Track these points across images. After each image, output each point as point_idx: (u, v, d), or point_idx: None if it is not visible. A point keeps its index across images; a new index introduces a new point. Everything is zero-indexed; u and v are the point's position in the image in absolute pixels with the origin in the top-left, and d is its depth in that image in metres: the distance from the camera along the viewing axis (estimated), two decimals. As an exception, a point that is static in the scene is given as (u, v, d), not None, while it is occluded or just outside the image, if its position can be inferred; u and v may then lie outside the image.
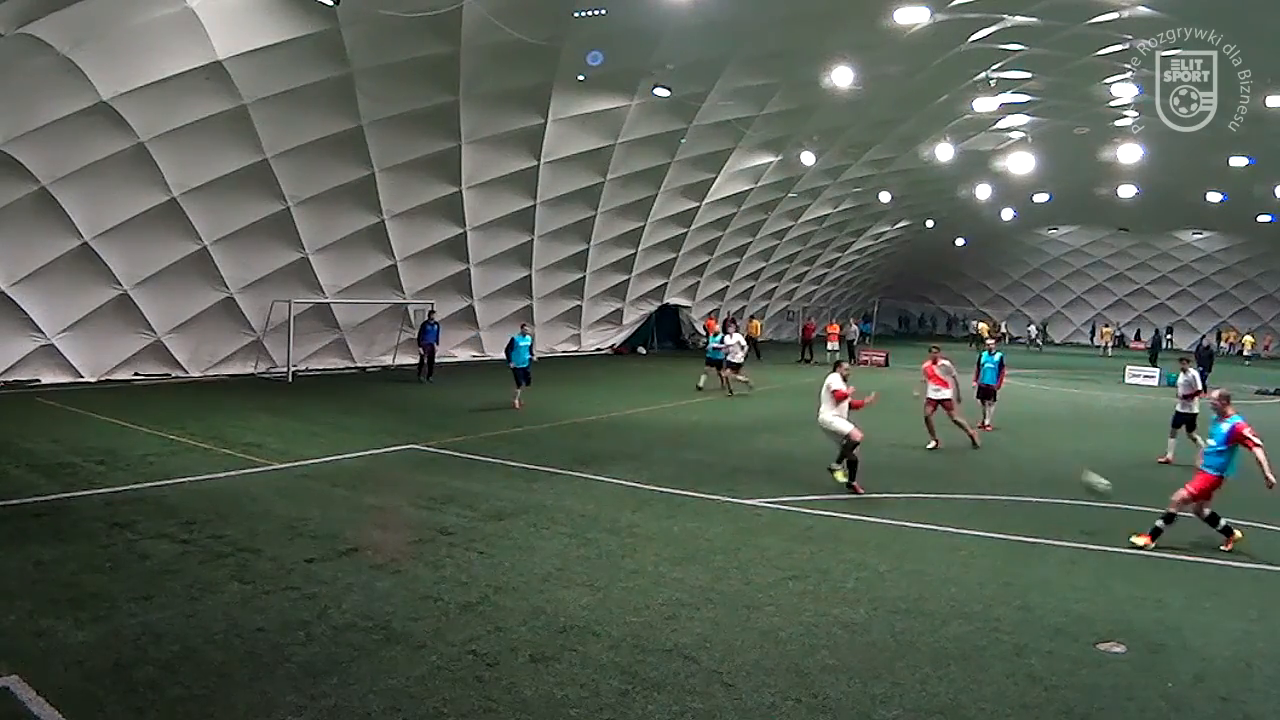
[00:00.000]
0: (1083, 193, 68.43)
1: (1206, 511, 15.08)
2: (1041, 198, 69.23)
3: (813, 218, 65.28)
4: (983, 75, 40.45)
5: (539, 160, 40.57)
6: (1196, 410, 22.99)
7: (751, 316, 68.97)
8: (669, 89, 37.78)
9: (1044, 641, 10.84)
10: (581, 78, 36.08)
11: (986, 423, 28.29)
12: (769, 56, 37.56)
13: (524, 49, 31.04)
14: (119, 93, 26.35)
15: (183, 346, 35.01)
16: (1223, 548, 14.90)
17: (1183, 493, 15.00)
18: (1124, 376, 48.45)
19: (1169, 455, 22.96)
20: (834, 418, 18.47)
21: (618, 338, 59.23)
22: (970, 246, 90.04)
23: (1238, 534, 15.05)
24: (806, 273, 78.57)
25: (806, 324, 61.00)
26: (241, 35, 26.93)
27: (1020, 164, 51.42)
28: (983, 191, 62.38)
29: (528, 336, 30.90)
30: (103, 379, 32.74)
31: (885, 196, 63.10)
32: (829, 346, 57.34)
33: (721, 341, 36.68)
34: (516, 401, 29.58)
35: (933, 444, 24.25)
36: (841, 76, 35.85)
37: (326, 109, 31.45)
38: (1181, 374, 24.04)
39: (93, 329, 31.82)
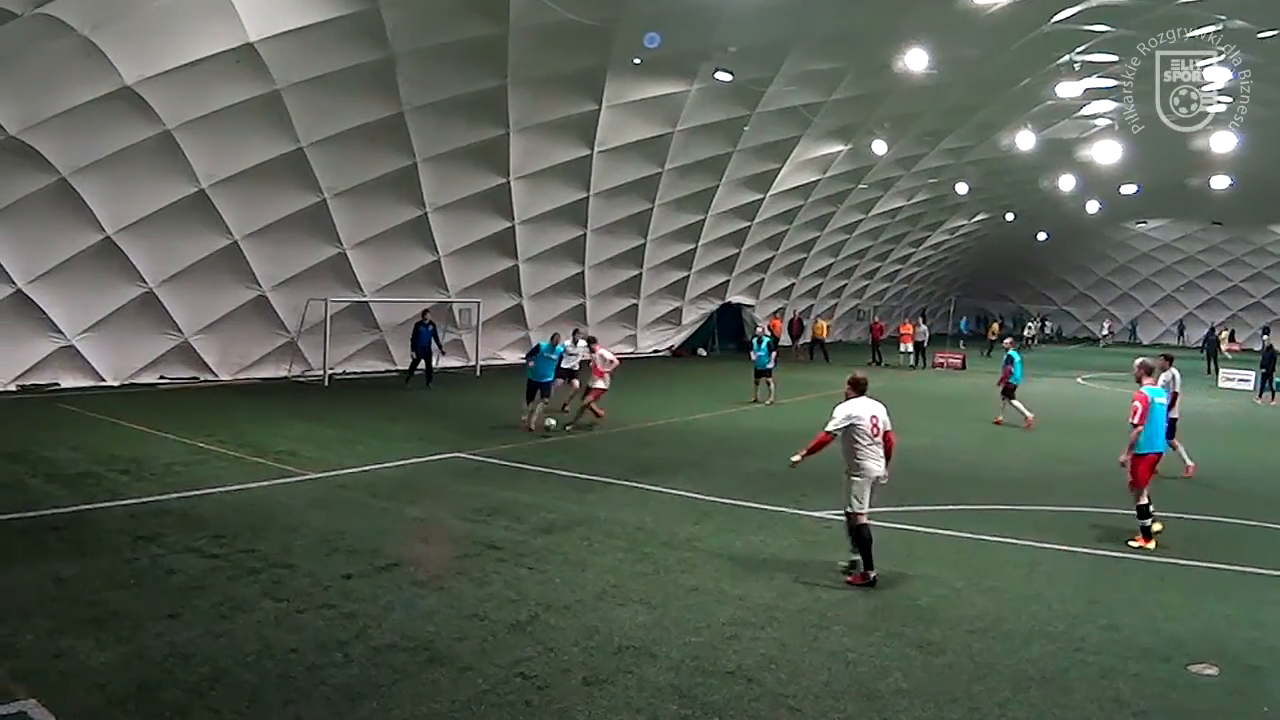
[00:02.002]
0: (1173, 184, 67.49)
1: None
2: (1129, 189, 68.28)
3: (884, 210, 64.95)
4: (1066, 58, 39.94)
5: (592, 149, 40.51)
6: (1177, 415, 22.01)
7: (818, 316, 68.54)
8: (731, 73, 37.46)
9: (1132, 663, 10.67)
10: (637, 61, 35.81)
11: (1001, 419, 30.50)
12: (838, 38, 37.11)
13: (576, 30, 31.01)
14: (143, 77, 26.36)
15: (212, 348, 35.27)
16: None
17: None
18: (1218, 380, 48.05)
19: (1189, 464, 22.00)
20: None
21: (676, 338, 59.20)
22: (1052, 241, 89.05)
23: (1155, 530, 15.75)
24: (877, 270, 78.36)
25: (874, 324, 60.65)
26: (274, 15, 26.91)
27: (1106, 153, 50.75)
28: (1066, 182, 61.58)
29: (562, 346, 27.66)
30: (126, 383, 32.99)
31: (962, 188, 62.48)
32: (901, 348, 56.97)
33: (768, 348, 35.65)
34: (529, 420, 26.34)
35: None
36: (915, 60, 35.48)
37: (365, 94, 31.42)
38: (1160, 373, 23.40)
39: (115, 329, 32.05)
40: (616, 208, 45.82)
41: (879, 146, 49.58)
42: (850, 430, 13.42)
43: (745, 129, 44.51)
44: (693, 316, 60.08)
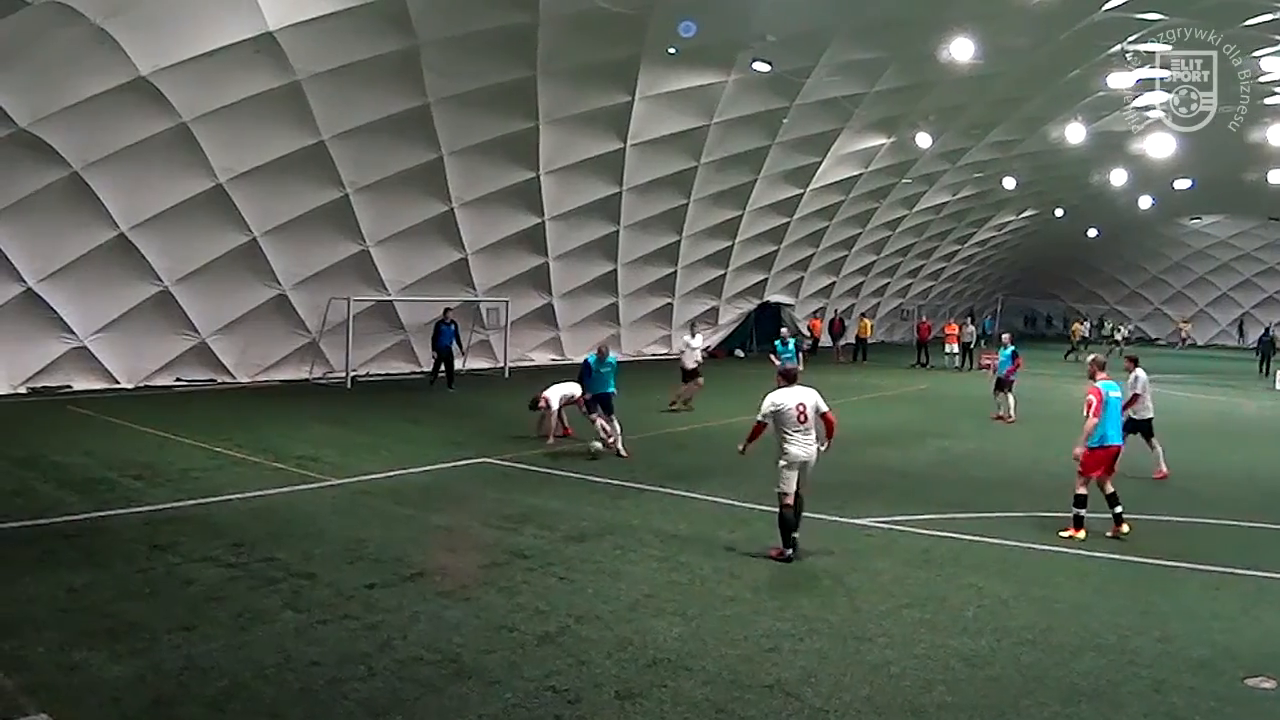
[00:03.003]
0: (1229, 179, 66.96)
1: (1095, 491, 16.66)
2: (1183, 184, 67.75)
3: (929, 206, 64.56)
4: (1118, 48, 39.57)
5: (625, 142, 40.32)
6: (1151, 414, 22.67)
7: (861, 315, 68.22)
8: (769, 63, 37.08)
9: (1186, 676, 10.54)
10: (672, 51, 35.51)
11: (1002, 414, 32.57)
12: (881, 26, 36.66)
13: (609, 18, 30.88)
14: (159, 67, 26.25)
15: (230, 349, 35.39)
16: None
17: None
18: (1275, 383, 47.88)
19: (1163, 469, 22.38)
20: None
21: (713, 339, 58.70)
22: (1103, 238, 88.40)
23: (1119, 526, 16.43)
24: (922, 267, 78.16)
25: (921, 323, 60.31)
26: (295, 3, 26.73)
27: (1159, 146, 50.22)
28: (1118, 177, 61.12)
29: (612, 358, 24.91)
30: (141, 385, 33.13)
31: (1009, 183, 61.81)
32: (947, 349, 56.78)
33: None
34: (616, 446, 23.70)
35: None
36: (961, 49, 35.02)
37: (390, 85, 31.32)
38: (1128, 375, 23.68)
39: (130, 330, 32.15)
40: (650, 203, 45.68)
41: (923, 140, 49.23)
42: (776, 417, 14.92)
43: (784, 121, 44.06)
44: (730, 316, 60.07)
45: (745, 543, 15.71)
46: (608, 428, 23.56)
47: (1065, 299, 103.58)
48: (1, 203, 27.22)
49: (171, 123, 28.03)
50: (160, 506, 16.98)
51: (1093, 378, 17.21)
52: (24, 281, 28.89)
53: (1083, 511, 16.28)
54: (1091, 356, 18.05)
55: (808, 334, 64.58)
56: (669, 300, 54.00)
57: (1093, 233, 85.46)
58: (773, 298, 62.76)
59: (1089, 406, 16.56)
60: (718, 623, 11.83)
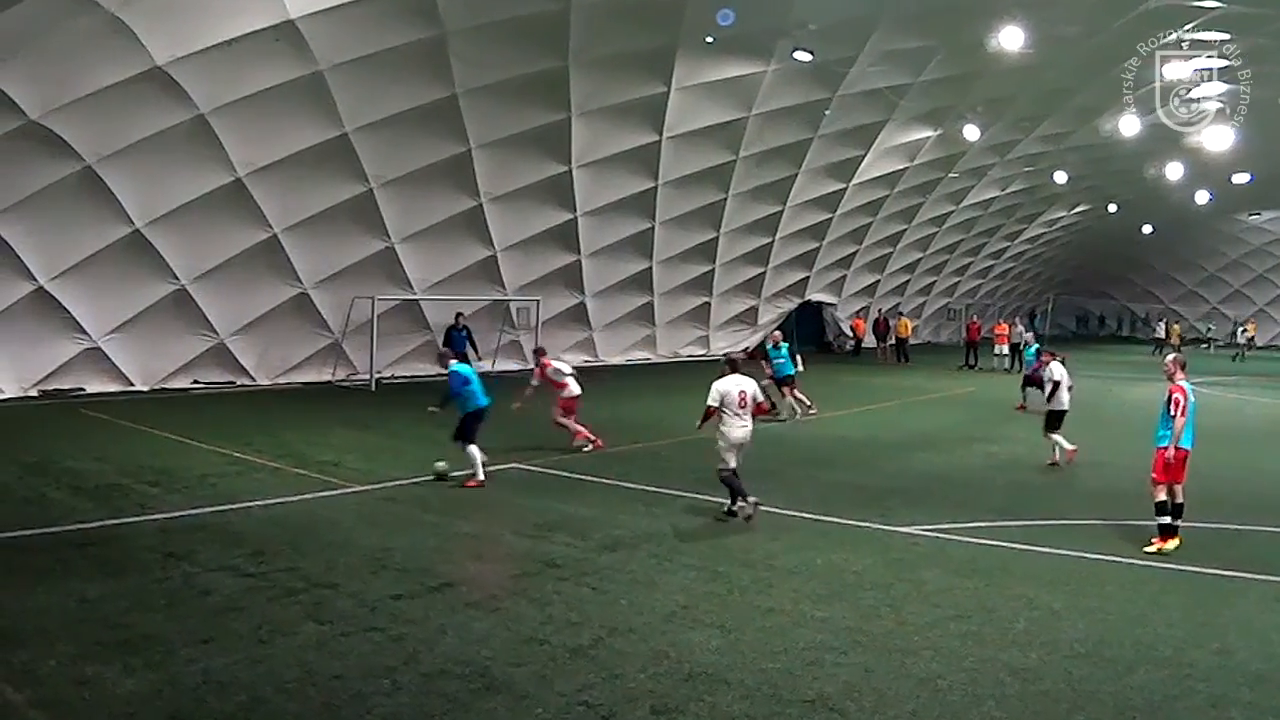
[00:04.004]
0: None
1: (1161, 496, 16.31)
2: (1241, 178, 67.40)
3: (977, 201, 64.38)
4: (1174, 36, 39.23)
5: (661, 135, 40.23)
6: (1067, 408, 24.52)
7: (902, 314, 67.98)
8: (811, 52, 36.75)
9: (1244, 691, 10.38)
10: (710, 39, 35.42)
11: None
12: (927, 14, 36.49)
13: (643, 5, 31.13)
14: (176, 57, 26.30)
15: (249, 350, 35.57)
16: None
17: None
18: None
19: (1056, 457, 24.01)
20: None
21: (752, 339, 58.26)
22: (1158, 234, 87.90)
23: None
24: (969, 265, 77.89)
25: (970, 323, 59.93)
26: (318, -10, 26.88)
27: (1217, 139, 49.90)
28: (1173, 171, 60.72)
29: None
30: (156, 388, 33.32)
31: (1061, 177, 61.46)
32: (996, 350, 56.39)
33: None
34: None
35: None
36: (1010, 38, 34.74)
37: (416, 75, 31.30)
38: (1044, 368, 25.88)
39: (145, 330, 32.30)
40: (687, 198, 45.60)
41: (971, 132, 48.85)
42: (722, 400, 17.38)
43: (827, 113, 43.96)
44: (770, 316, 59.73)
45: (785, 551, 15.58)
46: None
47: (1119, 298, 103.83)
48: (12, 198, 27.31)
49: (189, 114, 28.11)
50: (177, 514, 16.99)
51: (1172, 378, 16.72)
52: (35, 280, 29.00)
53: (1167, 519, 15.90)
54: (1171, 355, 17.52)
55: (850, 334, 64.38)
56: (706, 299, 53.95)
57: (1148, 229, 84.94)
58: (814, 296, 62.77)
59: (1175, 405, 16.14)
60: (757, 635, 11.72)
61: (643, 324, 50.49)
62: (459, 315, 37.43)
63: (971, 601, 13.14)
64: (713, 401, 17.28)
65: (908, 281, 71.92)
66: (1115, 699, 10.08)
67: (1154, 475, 16.17)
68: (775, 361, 32.29)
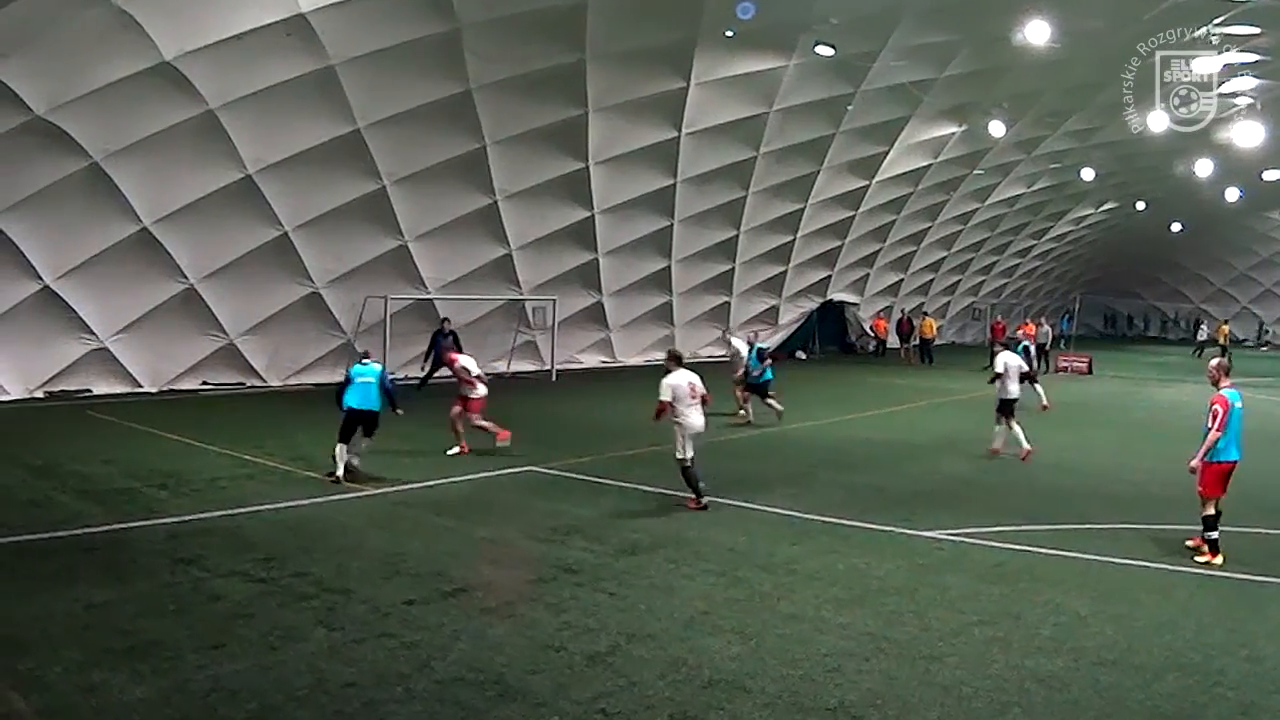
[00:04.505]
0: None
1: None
2: (1272, 175, 67.19)
3: (1003, 199, 64.26)
4: (1203, 30, 39.01)
5: (679, 131, 40.21)
6: (1015, 396, 25.79)
7: (927, 314, 67.75)
8: (833, 47, 36.77)
9: (1275, 698, 10.44)
10: (730, 33, 35.33)
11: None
12: (951, 8, 36.37)
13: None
14: (184, 51, 26.31)
15: (259, 351, 35.68)
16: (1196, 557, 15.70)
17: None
18: None
19: (997, 445, 25.35)
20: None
21: (773, 340, 58.04)
22: (1188, 232, 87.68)
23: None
24: (994, 264, 77.79)
25: (995, 324, 59.83)
26: (329, -18, 26.84)
27: (1247, 135, 49.69)
28: (1203, 168, 60.53)
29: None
30: (165, 389, 33.45)
31: (1088, 174, 61.33)
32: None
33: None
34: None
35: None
36: (1036, 32, 34.52)
37: (429, 70, 31.30)
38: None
39: (153, 330, 32.37)
40: (706, 196, 45.55)
41: (996, 128, 48.48)
42: (674, 394, 18.61)
43: (849, 109, 43.85)
44: (791, 316, 60.10)
45: (806, 556, 15.58)
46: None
47: (1147, 297, 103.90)
48: (17, 195, 27.37)
49: (198, 110, 28.13)
50: (185, 518, 17.01)
51: (1216, 384, 16.12)
52: (41, 279, 29.06)
53: (1215, 534, 15.52)
54: (1215, 360, 17.00)
55: (872, 334, 64.19)
56: (726, 299, 53.93)
57: (1177, 227, 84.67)
58: (836, 296, 62.77)
59: (1214, 417, 15.58)
60: (778, 641, 11.72)
61: (661, 324, 50.46)
62: (445, 320, 37.06)
63: (996, 607, 13.14)
64: (665, 396, 18.54)
65: (931, 280, 71.82)
66: (1143, 706, 10.10)
67: (1200, 489, 15.72)
68: (753, 369, 31.17)
